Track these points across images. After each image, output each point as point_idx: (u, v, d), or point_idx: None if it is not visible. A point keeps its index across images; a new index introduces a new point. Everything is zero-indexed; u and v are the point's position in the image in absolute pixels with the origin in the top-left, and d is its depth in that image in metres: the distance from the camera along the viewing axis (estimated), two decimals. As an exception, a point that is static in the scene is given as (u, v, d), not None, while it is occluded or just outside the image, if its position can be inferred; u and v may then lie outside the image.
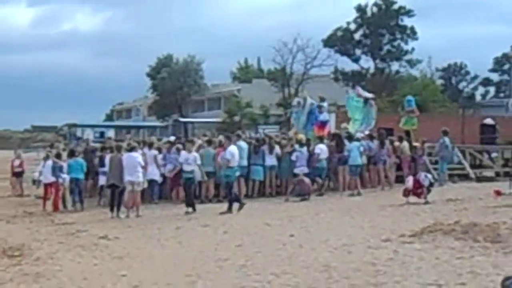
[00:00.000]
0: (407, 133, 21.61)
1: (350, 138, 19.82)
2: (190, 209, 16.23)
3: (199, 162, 17.07)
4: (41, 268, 9.89)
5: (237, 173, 16.94)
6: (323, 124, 21.90)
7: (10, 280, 9.02)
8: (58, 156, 19.31)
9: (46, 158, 20.26)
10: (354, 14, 51.77)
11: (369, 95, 24.12)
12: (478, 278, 7.40)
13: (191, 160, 16.92)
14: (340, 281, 7.73)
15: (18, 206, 20.04)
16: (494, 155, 24.77)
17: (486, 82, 61.71)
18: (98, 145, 24.99)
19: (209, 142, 19.66)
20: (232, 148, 16.67)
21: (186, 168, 16.99)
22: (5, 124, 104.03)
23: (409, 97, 23.94)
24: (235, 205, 15.84)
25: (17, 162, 24.49)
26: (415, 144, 20.55)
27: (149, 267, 9.77)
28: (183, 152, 17.47)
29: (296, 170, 18.58)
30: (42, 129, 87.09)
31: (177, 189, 19.10)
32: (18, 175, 24.07)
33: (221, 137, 20.81)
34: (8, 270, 9.78)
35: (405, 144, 20.45)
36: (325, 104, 23.21)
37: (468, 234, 10.15)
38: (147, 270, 9.54)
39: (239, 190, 18.25)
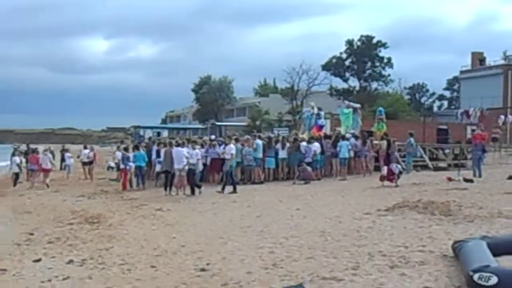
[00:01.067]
0: (370, 133, 24.38)
1: (342, 138, 22.29)
2: (230, 189, 17.73)
3: (233, 152, 18.80)
4: (113, 232, 11.33)
5: (235, 164, 19.21)
6: (320, 127, 25.33)
7: (90, 240, 10.52)
8: (126, 149, 21.59)
9: (118, 149, 22.86)
10: (344, 47, 59.00)
11: (356, 105, 27.88)
12: (435, 241, 8.34)
13: (232, 151, 18.83)
14: (333, 243, 8.81)
15: (96, 186, 21.87)
16: (446, 151, 27.27)
17: (441, 97, 69.58)
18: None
19: (236, 140, 21.43)
20: (231, 146, 19.10)
21: (227, 156, 18.94)
22: (87, 125, 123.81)
23: (380, 108, 27.14)
24: (229, 188, 17.76)
25: (91, 154, 26.17)
26: (376, 142, 23.04)
27: (193, 232, 10.99)
28: (228, 146, 19.44)
29: (306, 160, 20.85)
30: (114, 130, 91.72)
31: (213, 174, 21.40)
32: (88, 164, 25.82)
33: (246, 137, 23.67)
34: (89, 233, 11.31)
35: (383, 142, 22.58)
36: (322, 113, 26.76)
37: (427, 209, 11.12)
38: (191, 234, 10.78)
39: (251, 176, 21.03)
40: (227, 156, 18.91)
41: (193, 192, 17.75)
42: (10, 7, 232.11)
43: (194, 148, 18.82)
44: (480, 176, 19.37)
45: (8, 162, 26.02)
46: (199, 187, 17.98)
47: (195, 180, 18.08)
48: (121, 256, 8.98)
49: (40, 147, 28.11)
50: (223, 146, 21.65)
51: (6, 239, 11.12)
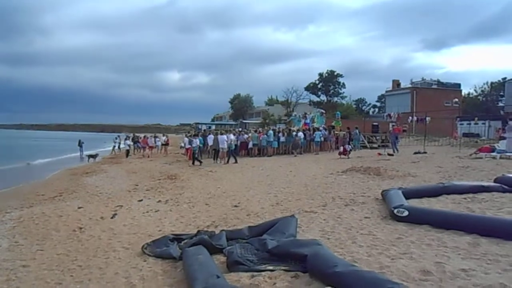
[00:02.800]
0: (332, 127, 23.99)
1: (317, 129, 22.11)
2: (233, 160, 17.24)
3: (232, 138, 18.78)
4: (184, 184, 11.36)
5: (233, 147, 18.45)
6: (306, 124, 24.99)
7: (170, 189, 10.50)
8: (191, 136, 21.04)
9: (186, 136, 22.53)
10: (317, 76, 58.05)
11: (323, 111, 28.20)
12: (371, 190, 8.15)
13: (232, 137, 18.72)
14: (311, 191, 8.69)
15: (173, 158, 21.69)
16: (377, 138, 26.44)
17: (374, 106, 67.94)
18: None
19: (255, 131, 22.15)
20: (226, 136, 18.43)
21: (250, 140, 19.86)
22: (168, 122, 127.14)
23: (337, 112, 27.55)
24: (232, 160, 17.38)
25: (166, 139, 26.28)
26: (337, 132, 22.87)
27: (230, 184, 10.90)
28: (221, 136, 18.66)
29: (300, 142, 20.72)
30: (184, 125, 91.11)
31: (241, 151, 20.78)
32: (165, 145, 25.78)
33: (260, 129, 23.73)
34: (170, 185, 11.26)
35: (340, 133, 22.55)
36: (307, 115, 26.65)
37: (366, 172, 10.89)
38: (229, 185, 10.68)
39: (264, 151, 20.79)
40: (229, 142, 18.30)
41: (233, 160, 17.52)
42: (126, 54, 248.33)
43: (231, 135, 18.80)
44: (397, 151, 19.05)
45: (123, 144, 26.19)
46: (236, 158, 17.69)
47: (232, 153, 17.99)
48: (188, 198, 8.98)
49: (148, 135, 29.12)
50: (246, 135, 21.70)
51: (122, 188, 11.26)
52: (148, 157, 22.96)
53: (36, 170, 18.47)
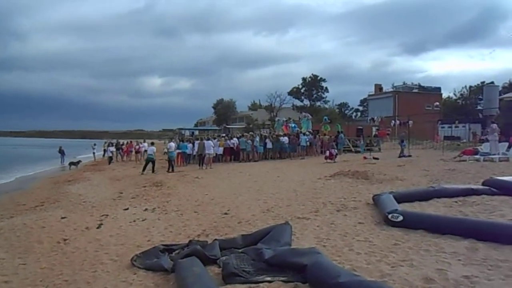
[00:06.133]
0: (317, 131, 24.23)
1: (303, 134, 22.05)
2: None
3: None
4: (170, 191, 11.03)
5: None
6: (288, 128, 24.64)
7: (157, 196, 10.21)
8: (176, 141, 20.99)
9: (169, 141, 22.36)
10: (301, 81, 58.45)
11: (309, 116, 27.68)
12: (361, 195, 8.11)
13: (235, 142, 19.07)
14: (301, 197, 8.53)
15: (158, 164, 19.07)
16: (361, 142, 26.66)
17: (357, 110, 68.66)
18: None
19: (242, 136, 21.70)
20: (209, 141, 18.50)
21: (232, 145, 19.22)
22: (150, 127, 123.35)
23: (325, 117, 27.32)
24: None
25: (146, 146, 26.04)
26: (322, 136, 22.88)
27: (218, 190, 10.59)
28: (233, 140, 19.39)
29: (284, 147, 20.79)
30: (167, 130, 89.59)
31: (227, 157, 20.62)
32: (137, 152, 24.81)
33: (246, 134, 23.33)
34: (156, 192, 10.94)
35: (326, 137, 22.57)
36: (291, 120, 27.01)
37: (354, 176, 10.89)
38: (217, 191, 10.37)
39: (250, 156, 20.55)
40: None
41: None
42: (105, 59, 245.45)
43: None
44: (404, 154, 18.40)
45: (108, 152, 25.13)
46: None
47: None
48: (176, 205, 8.76)
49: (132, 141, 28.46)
50: (230, 140, 21.53)
51: (106, 196, 10.94)
52: (138, 161, 22.45)
53: (15, 179, 17.78)
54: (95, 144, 28.47)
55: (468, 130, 27.61)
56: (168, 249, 5.05)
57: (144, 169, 16.77)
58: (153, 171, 16.62)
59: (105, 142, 28.57)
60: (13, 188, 14.34)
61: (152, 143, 19.63)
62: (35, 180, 16.76)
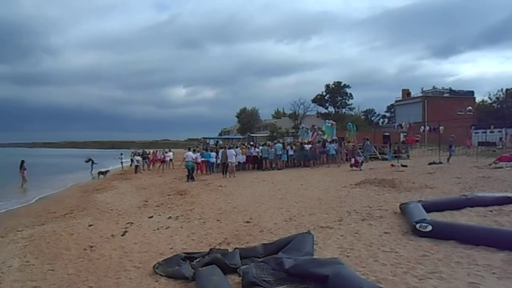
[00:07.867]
0: (342, 138, 23.71)
1: (330, 142, 21.60)
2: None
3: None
4: (194, 199, 11.13)
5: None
6: (313, 136, 24.80)
7: (180, 205, 10.31)
8: (200, 150, 21.31)
9: (194, 151, 22.25)
10: (324, 88, 57.64)
11: (333, 123, 27.39)
12: (388, 203, 7.98)
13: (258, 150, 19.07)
14: (325, 205, 8.46)
15: (183, 173, 19.50)
16: (388, 149, 25.84)
17: (384, 116, 67.02)
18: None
19: (264, 144, 21.76)
20: (232, 150, 18.49)
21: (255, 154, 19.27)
22: (176, 137, 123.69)
23: (350, 123, 26.18)
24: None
25: (170, 154, 26.30)
26: (347, 144, 22.28)
27: (240, 199, 10.64)
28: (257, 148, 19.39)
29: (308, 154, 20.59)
30: (192, 139, 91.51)
31: (249, 165, 20.73)
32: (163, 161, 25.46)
33: (269, 142, 23.53)
34: (180, 201, 11.08)
35: (349, 144, 21.98)
36: (315, 127, 26.93)
37: (381, 184, 10.71)
38: (239, 200, 10.43)
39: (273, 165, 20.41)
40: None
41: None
42: (132, 71, 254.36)
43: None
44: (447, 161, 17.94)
45: (135, 161, 25.71)
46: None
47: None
48: (199, 214, 8.80)
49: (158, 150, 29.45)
50: (254, 148, 21.52)
51: (132, 204, 11.15)
52: (163, 170, 23.01)
53: (47, 187, 18.50)
54: (122, 154, 29.32)
55: (505, 135, 26.29)
56: (189, 257, 5.07)
57: (188, 177, 16.86)
58: (188, 179, 16.64)
59: (132, 152, 29.38)
60: (46, 197, 14.89)
61: (170, 150, 20.15)
62: (66, 189, 17.34)
